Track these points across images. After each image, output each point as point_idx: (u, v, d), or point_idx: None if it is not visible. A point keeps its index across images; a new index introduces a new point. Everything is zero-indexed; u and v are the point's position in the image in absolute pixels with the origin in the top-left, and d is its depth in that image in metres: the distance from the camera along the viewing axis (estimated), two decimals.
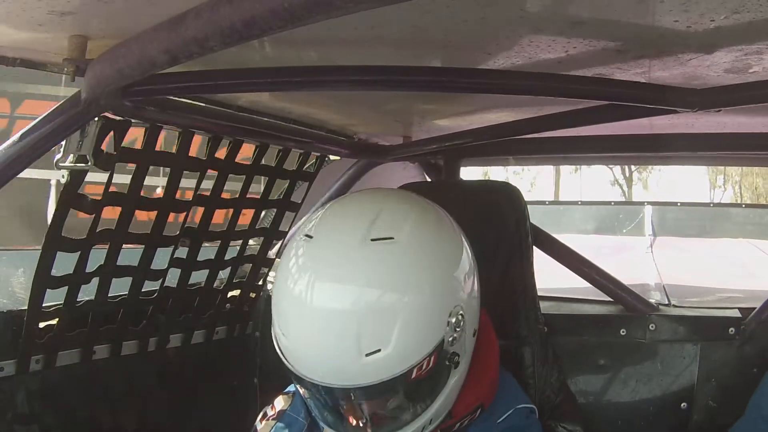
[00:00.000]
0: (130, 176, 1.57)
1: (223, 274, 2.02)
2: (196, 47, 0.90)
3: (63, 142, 1.36)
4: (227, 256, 1.96)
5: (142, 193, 1.60)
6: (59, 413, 1.66)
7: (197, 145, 1.63)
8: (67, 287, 1.57)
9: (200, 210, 1.80)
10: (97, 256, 1.59)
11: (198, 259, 1.87)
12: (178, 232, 1.77)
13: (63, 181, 1.40)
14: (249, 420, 1.54)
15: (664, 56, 1.24)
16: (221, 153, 1.73)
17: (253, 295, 2.19)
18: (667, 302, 2.11)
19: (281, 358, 1.24)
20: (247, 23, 0.80)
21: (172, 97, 1.45)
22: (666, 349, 1.97)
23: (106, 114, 1.35)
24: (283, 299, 1.23)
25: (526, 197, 1.91)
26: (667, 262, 3.33)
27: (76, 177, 1.41)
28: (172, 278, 1.84)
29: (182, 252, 1.81)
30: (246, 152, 1.80)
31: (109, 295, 1.68)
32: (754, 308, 1.95)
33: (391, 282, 1.18)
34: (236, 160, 1.77)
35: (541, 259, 1.99)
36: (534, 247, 1.88)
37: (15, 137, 1.31)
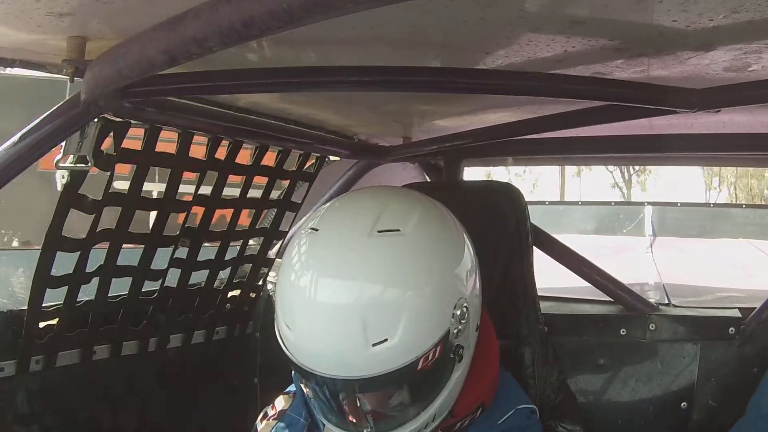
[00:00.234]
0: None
1: (223, 274, 2.02)
2: (196, 48, 0.90)
3: (63, 143, 1.36)
4: (227, 256, 1.96)
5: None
6: (59, 414, 1.66)
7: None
8: (67, 287, 1.57)
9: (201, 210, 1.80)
10: (97, 256, 1.59)
11: (198, 259, 1.87)
12: (178, 232, 1.77)
13: (63, 181, 1.40)
14: (249, 420, 1.54)
15: (663, 55, 1.24)
16: (220, 153, 1.73)
17: (253, 295, 2.19)
18: (667, 302, 2.11)
19: (285, 351, 1.23)
20: (246, 23, 0.80)
21: (171, 98, 1.46)
22: (666, 349, 1.98)
23: (106, 115, 1.35)
24: (288, 292, 1.22)
25: (528, 199, 1.92)
26: (667, 262, 3.33)
27: (76, 177, 1.41)
28: (172, 278, 1.84)
29: (182, 252, 1.82)
30: (243, 158, 1.80)
31: (109, 295, 1.68)
32: (754, 308, 1.95)
33: (398, 273, 1.18)
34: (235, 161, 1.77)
35: (541, 259, 1.99)
36: (534, 247, 1.88)
37: (15, 137, 1.32)
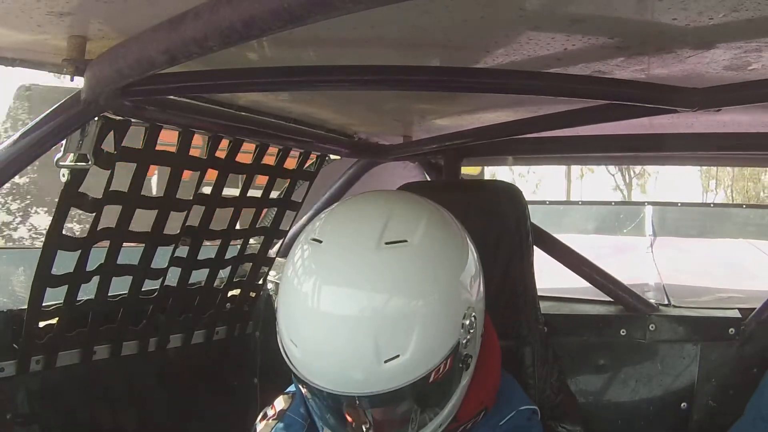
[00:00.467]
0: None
1: (224, 273, 2.02)
2: (196, 47, 0.90)
3: (63, 142, 1.36)
4: (228, 255, 1.96)
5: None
6: (59, 414, 1.66)
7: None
8: (66, 286, 1.57)
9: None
10: (97, 255, 1.59)
11: (198, 258, 1.87)
12: (178, 231, 1.77)
13: (64, 180, 1.40)
14: (249, 420, 1.54)
15: (663, 53, 1.24)
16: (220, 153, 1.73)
17: (253, 294, 2.19)
18: (667, 302, 2.11)
19: (290, 367, 1.20)
20: (247, 23, 0.80)
21: (172, 97, 1.45)
22: (666, 349, 1.98)
23: (106, 114, 1.35)
24: (293, 308, 1.19)
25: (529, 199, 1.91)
26: (667, 262, 3.32)
27: (77, 176, 1.41)
28: (173, 277, 1.84)
29: (182, 251, 1.81)
30: (244, 158, 1.80)
31: (109, 294, 1.68)
32: (754, 308, 1.95)
33: (407, 286, 1.15)
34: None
35: (541, 259, 1.99)
36: (534, 247, 1.88)
37: (15, 136, 1.32)
